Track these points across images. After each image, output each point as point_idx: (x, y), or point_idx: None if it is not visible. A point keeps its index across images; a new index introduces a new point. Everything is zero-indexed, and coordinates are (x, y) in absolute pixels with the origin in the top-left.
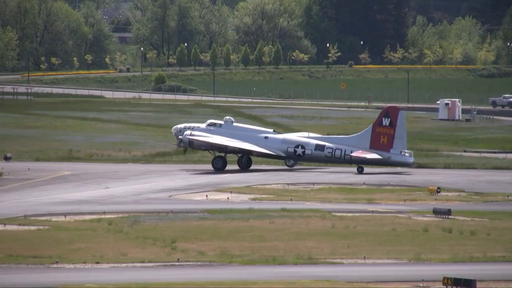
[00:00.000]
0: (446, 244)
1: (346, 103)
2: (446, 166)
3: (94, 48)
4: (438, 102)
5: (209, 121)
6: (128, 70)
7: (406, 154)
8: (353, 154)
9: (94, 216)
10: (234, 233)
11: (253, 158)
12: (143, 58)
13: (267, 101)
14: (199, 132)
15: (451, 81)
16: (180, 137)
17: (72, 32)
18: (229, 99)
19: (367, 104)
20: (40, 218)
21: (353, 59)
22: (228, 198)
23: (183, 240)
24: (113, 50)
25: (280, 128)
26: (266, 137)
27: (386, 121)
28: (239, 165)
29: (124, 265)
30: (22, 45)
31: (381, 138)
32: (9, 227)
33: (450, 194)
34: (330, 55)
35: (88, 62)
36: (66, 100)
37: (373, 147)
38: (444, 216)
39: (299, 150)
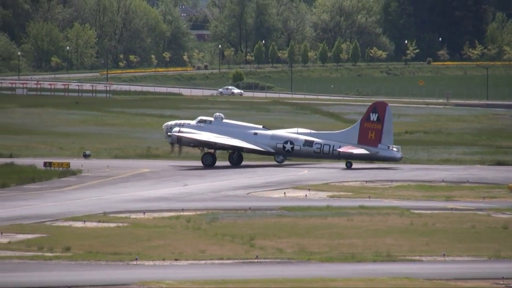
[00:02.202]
0: None
1: (425, 100)
2: None
3: (172, 46)
4: None
5: (199, 117)
6: (206, 67)
7: (394, 149)
8: (341, 149)
9: (173, 213)
10: (312, 230)
11: (245, 155)
12: (221, 55)
13: (345, 98)
14: (188, 129)
15: None
16: (169, 133)
17: (150, 29)
18: (307, 96)
19: (446, 101)
20: (119, 215)
21: (432, 56)
22: (306, 195)
23: (261, 237)
24: (191, 47)
25: None
26: (255, 133)
27: (373, 117)
28: (230, 161)
29: (203, 262)
30: (100, 43)
31: (369, 133)
32: (89, 224)
33: None
34: (408, 52)
35: (166, 60)
36: (144, 98)
37: (361, 143)
38: None
39: (288, 146)
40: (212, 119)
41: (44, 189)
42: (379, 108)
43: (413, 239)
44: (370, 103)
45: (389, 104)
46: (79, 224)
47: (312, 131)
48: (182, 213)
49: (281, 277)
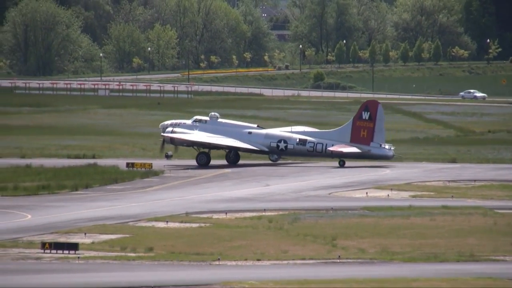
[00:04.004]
0: None
1: (507, 99)
2: None
3: (253, 46)
4: None
5: (195, 117)
6: (286, 67)
7: (386, 147)
8: (333, 148)
9: (255, 214)
10: (394, 230)
11: (241, 153)
12: (302, 55)
13: (426, 97)
14: (182, 129)
15: None
16: (162, 134)
17: (231, 30)
18: (388, 96)
19: None
20: (201, 216)
21: None
22: (388, 195)
23: (343, 237)
24: (271, 47)
25: (440, 125)
26: (249, 133)
27: (365, 115)
28: (227, 160)
29: (285, 262)
30: (181, 43)
31: (361, 131)
32: (171, 225)
33: None
34: (490, 51)
35: (247, 60)
36: (225, 98)
37: (353, 141)
38: None
39: (282, 145)
40: (207, 118)
41: (127, 190)
42: (370, 107)
43: (497, 239)
44: (451, 102)
45: (470, 104)
46: (161, 224)
47: (306, 130)
48: (264, 213)
49: (363, 277)
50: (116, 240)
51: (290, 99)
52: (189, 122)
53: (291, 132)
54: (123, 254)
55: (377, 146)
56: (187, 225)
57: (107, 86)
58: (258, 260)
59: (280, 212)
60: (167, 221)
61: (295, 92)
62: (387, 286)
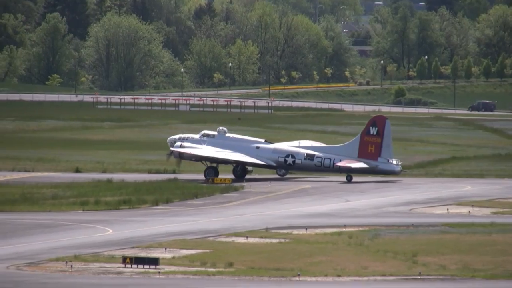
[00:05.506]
0: None
1: None
2: None
3: (334, 62)
4: None
5: (203, 132)
6: (367, 83)
7: (393, 163)
8: (340, 163)
9: (335, 229)
10: (476, 247)
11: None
12: (383, 71)
13: (509, 114)
14: (190, 143)
15: None
16: (171, 148)
17: (312, 45)
18: (470, 112)
19: None
20: (281, 231)
21: None
22: (469, 211)
23: (424, 254)
24: (352, 63)
25: None
26: (257, 147)
27: (373, 130)
28: (234, 175)
29: (365, 278)
30: (262, 59)
31: (369, 147)
32: (251, 240)
33: None
34: None
35: (328, 76)
36: (306, 114)
37: (361, 156)
38: None
39: (290, 160)
40: (215, 133)
41: (207, 205)
42: (378, 122)
43: None
44: None
45: None
46: (241, 239)
47: (314, 145)
48: (344, 229)
49: None
50: (196, 255)
51: (371, 115)
52: (197, 136)
53: (299, 147)
54: (203, 269)
55: (385, 162)
56: (267, 240)
57: (188, 101)
58: (338, 276)
59: (360, 228)
60: (247, 237)
61: (376, 108)
62: None
